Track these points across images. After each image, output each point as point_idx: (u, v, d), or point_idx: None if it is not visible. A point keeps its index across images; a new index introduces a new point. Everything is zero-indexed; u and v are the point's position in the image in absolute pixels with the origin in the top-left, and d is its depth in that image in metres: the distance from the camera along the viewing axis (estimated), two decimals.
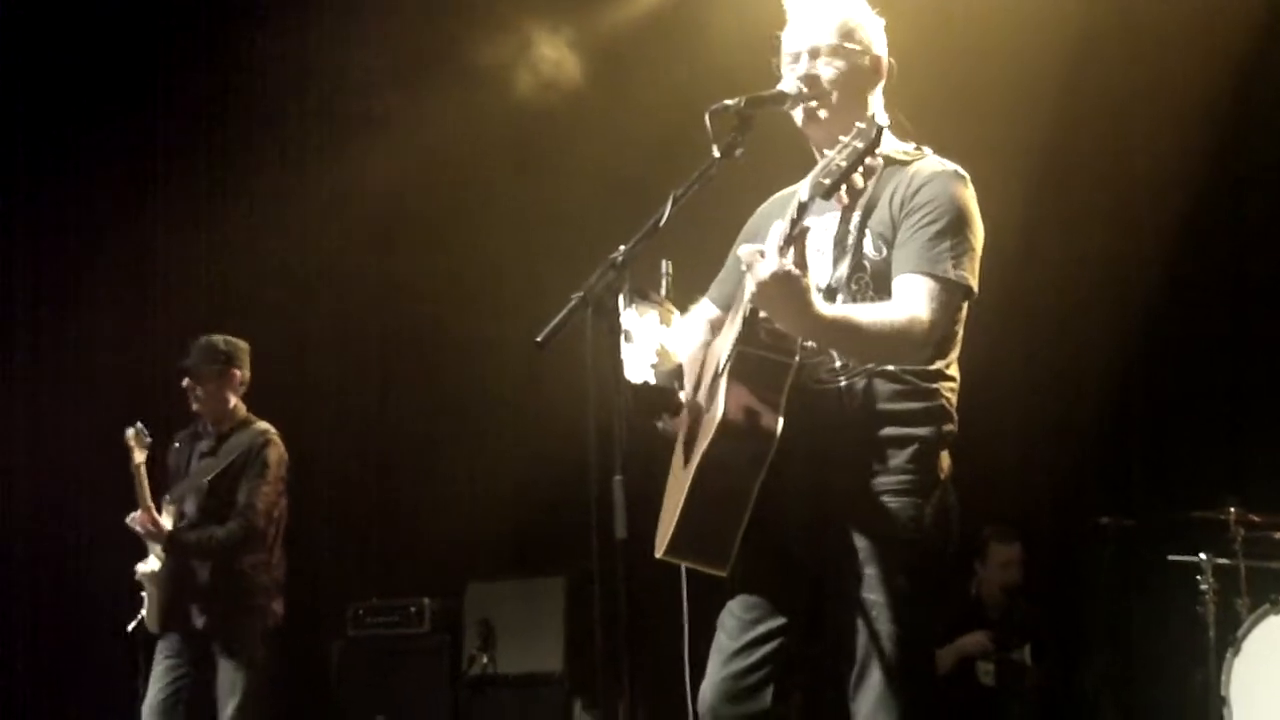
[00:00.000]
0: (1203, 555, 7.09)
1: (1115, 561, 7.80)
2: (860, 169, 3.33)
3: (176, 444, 7.37)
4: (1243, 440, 7.79)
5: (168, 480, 7.29)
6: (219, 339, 7.25)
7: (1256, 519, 7.04)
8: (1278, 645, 6.76)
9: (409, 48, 9.27)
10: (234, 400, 7.27)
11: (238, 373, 7.25)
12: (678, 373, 3.93)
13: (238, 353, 7.27)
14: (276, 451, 7.21)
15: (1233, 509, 7.01)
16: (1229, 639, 6.88)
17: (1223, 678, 6.85)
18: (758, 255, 3.39)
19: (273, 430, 7.28)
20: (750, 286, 3.42)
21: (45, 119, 9.51)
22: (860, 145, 3.30)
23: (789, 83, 3.82)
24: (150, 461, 7.24)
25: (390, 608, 8.82)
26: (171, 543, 7.03)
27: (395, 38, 9.30)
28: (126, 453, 7.09)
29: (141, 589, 7.17)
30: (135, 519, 7.02)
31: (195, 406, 7.25)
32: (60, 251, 9.61)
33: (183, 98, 9.69)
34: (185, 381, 7.19)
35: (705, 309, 4.19)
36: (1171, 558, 7.24)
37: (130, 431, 7.13)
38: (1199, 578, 7.09)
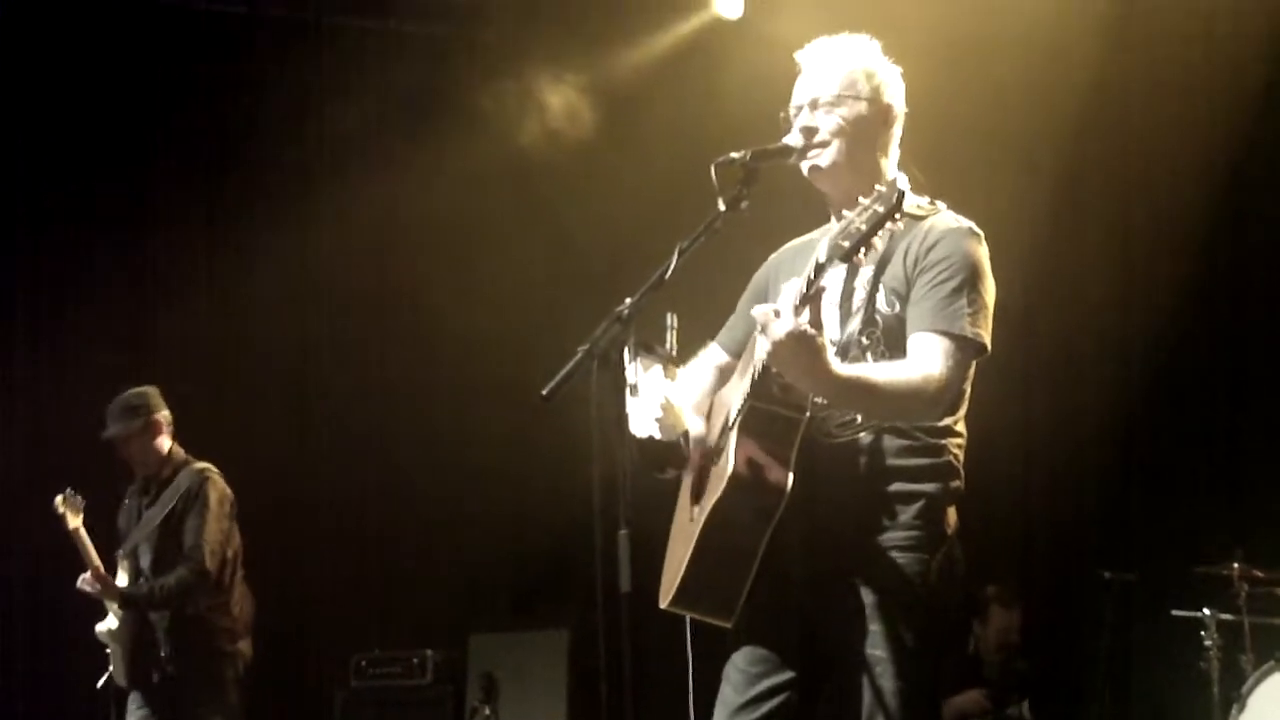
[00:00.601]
0: (1206, 611, 7.07)
1: (1118, 617, 7.79)
2: (880, 234, 3.31)
3: (125, 500, 7.32)
4: (1246, 495, 7.77)
5: (119, 538, 7.24)
6: (130, 394, 7.20)
7: (1260, 574, 7.01)
8: None
9: (412, 92, 9.30)
10: (167, 444, 7.22)
11: (159, 417, 7.20)
12: (683, 426, 3.93)
13: (151, 399, 7.22)
14: (217, 490, 7.12)
15: (1236, 564, 7.00)
16: (1233, 695, 6.85)
17: None
18: (772, 315, 3.38)
19: (212, 468, 7.21)
20: (765, 346, 3.41)
21: (45, 123, 9.43)
22: (881, 210, 3.26)
23: (794, 136, 3.82)
24: (110, 520, 7.20)
25: (393, 659, 8.80)
26: (125, 599, 6.98)
27: (399, 82, 9.32)
28: (59, 521, 7.01)
29: (106, 647, 7.12)
30: (85, 580, 6.95)
31: (135, 468, 7.24)
32: (58, 275, 9.54)
33: (186, 135, 9.64)
34: (119, 452, 7.17)
35: (714, 354, 4.19)
36: (1175, 613, 7.22)
37: (59, 499, 7.05)
38: (1203, 633, 7.06)
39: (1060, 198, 8.10)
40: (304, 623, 9.00)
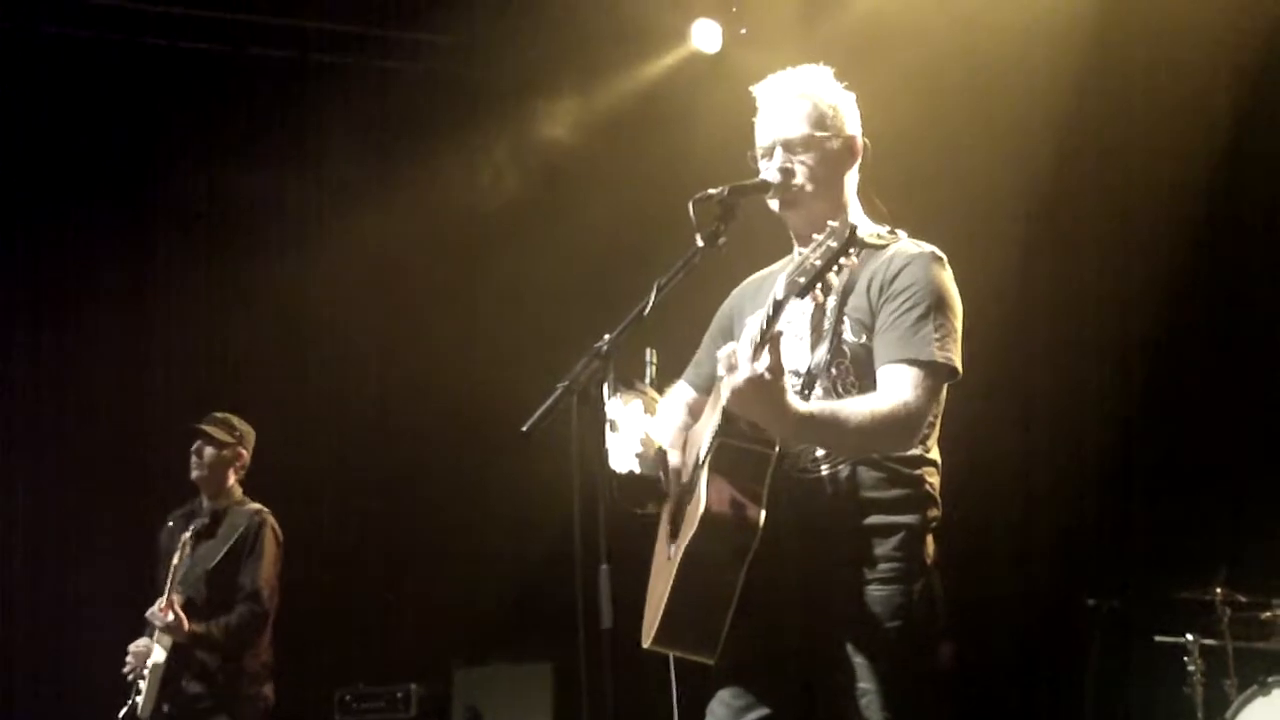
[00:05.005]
0: (1190, 636, 7.08)
1: (1103, 643, 7.79)
2: (835, 268, 3.33)
3: (170, 523, 7.31)
4: (1228, 520, 7.76)
5: (158, 557, 7.22)
6: (237, 419, 7.33)
7: (1244, 599, 7.03)
8: None
9: (396, 128, 9.32)
10: (232, 479, 7.29)
11: (244, 453, 7.31)
12: (663, 461, 3.94)
13: (248, 436, 7.36)
14: (273, 532, 7.17)
15: (1219, 589, 7.01)
16: None
17: None
18: (732, 361, 3.40)
19: (267, 510, 7.25)
20: (726, 392, 3.42)
21: (34, 167, 9.40)
22: (834, 245, 3.29)
23: (771, 172, 3.84)
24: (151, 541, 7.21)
25: (378, 694, 8.79)
26: (194, 639, 6.89)
27: (384, 117, 9.34)
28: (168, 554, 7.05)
29: (139, 676, 7.00)
30: (156, 613, 6.88)
31: (195, 473, 7.24)
32: (55, 307, 9.52)
33: (182, 174, 9.64)
34: (195, 443, 7.22)
35: (683, 392, 4.19)
36: (1159, 639, 7.23)
37: (185, 536, 7.07)
38: (1186, 659, 7.07)
39: (1049, 216, 8.08)
40: (288, 658, 8.96)
